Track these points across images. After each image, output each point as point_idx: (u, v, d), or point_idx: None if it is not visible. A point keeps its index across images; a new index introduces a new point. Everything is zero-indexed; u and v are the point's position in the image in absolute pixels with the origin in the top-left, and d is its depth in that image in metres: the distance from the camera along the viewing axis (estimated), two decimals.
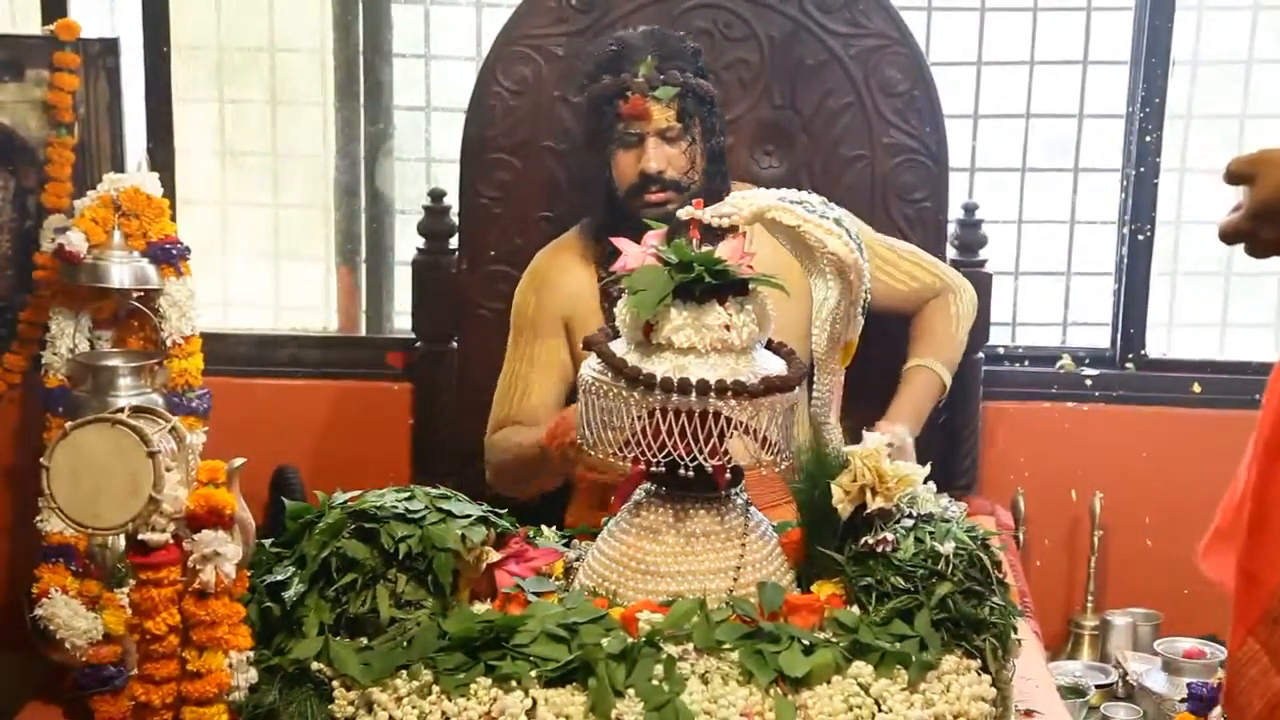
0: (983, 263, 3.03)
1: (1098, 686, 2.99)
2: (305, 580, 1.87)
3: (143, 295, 2.76)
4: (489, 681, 1.71)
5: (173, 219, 2.82)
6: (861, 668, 1.77)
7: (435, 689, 1.72)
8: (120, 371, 2.67)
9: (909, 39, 2.91)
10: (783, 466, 1.90)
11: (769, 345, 1.96)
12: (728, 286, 1.86)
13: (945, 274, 2.80)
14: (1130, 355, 3.32)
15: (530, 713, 1.69)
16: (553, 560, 2.02)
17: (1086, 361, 3.34)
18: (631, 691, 1.69)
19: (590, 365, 1.91)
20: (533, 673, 1.71)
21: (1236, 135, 3.35)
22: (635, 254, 1.91)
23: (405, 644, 1.77)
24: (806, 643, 1.78)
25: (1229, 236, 1.48)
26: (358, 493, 1.99)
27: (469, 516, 1.96)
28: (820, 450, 1.97)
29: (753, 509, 1.97)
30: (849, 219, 1.94)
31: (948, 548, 1.85)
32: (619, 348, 1.90)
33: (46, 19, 3.16)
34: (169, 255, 2.75)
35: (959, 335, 2.78)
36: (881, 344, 2.68)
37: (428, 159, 3.41)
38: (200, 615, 1.64)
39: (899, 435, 2.52)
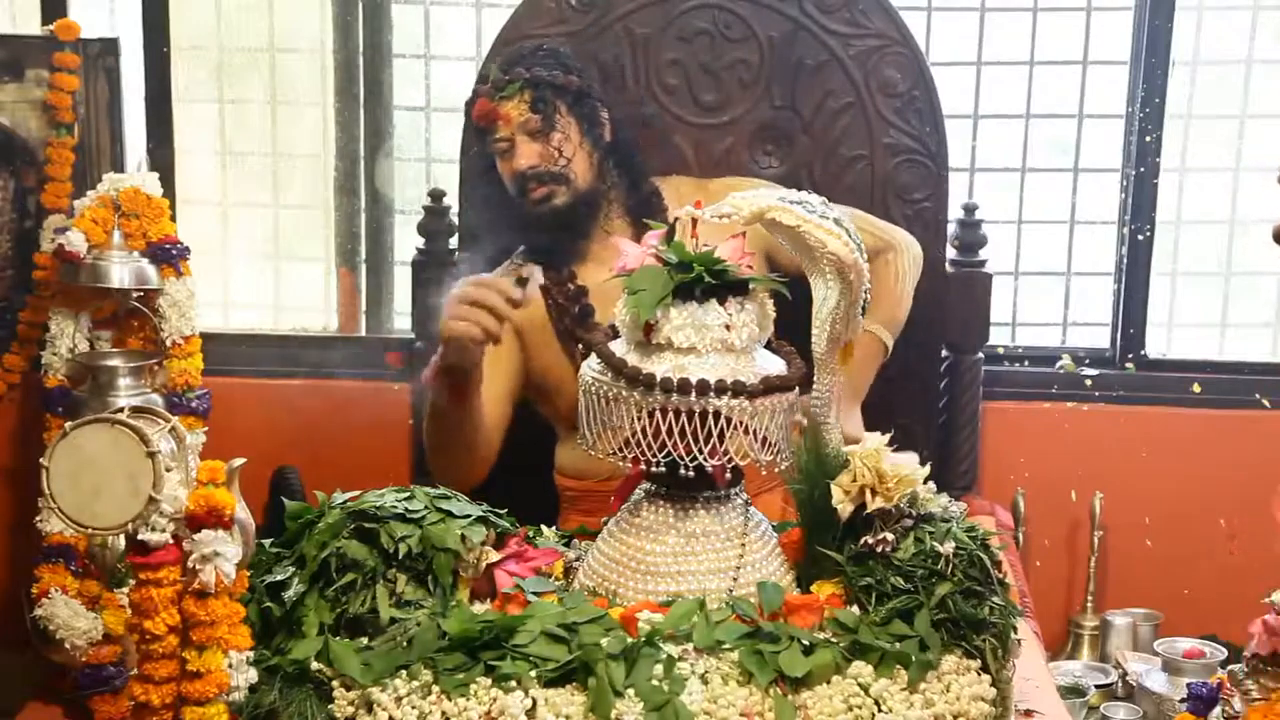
0: (983, 263, 3.03)
1: (1098, 686, 2.99)
2: (305, 580, 1.87)
3: (143, 295, 2.76)
4: (489, 681, 1.71)
5: (173, 219, 2.82)
6: (861, 668, 1.77)
7: (435, 689, 1.72)
8: (120, 371, 2.67)
9: (909, 39, 2.91)
10: (783, 466, 1.90)
11: (769, 345, 1.96)
12: (728, 286, 1.86)
13: (886, 232, 2.73)
14: (1130, 355, 3.32)
15: (530, 713, 1.69)
16: (553, 560, 2.02)
17: (1086, 361, 3.33)
18: (631, 691, 1.69)
19: (590, 365, 1.91)
20: (532, 673, 1.71)
21: (1236, 135, 3.35)
22: (635, 254, 1.91)
23: (405, 644, 1.77)
24: (806, 643, 1.78)
25: None
26: (358, 493, 2.00)
27: (469, 516, 1.96)
28: (820, 450, 1.97)
29: (752, 509, 1.97)
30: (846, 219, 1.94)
31: (948, 548, 1.85)
32: (619, 348, 1.90)
33: (46, 19, 3.16)
34: (169, 255, 2.75)
35: (902, 292, 2.70)
36: None
37: (428, 159, 3.41)
38: (200, 615, 1.64)
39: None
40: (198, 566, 1.64)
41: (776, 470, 1.90)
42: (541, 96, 2.56)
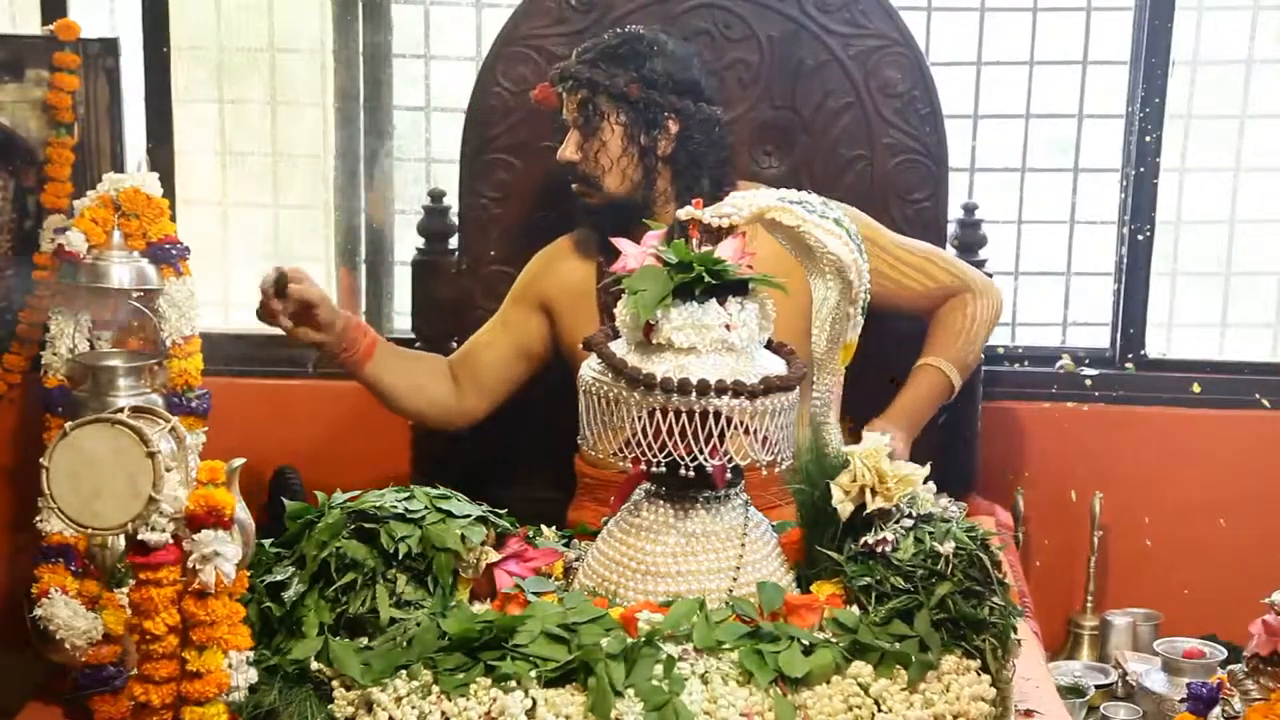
0: (983, 263, 3.02)
1: (1098, 686, 2.99)
2: (305, 580, 1.87)
3: (143, 295, 2.76)
4: (489, 681, 1.71)
5: (173, 219, 2.81)
6: (861, 668, 1.77)
7: (435, 689, 1.72)
8: (120, 371, 2.66)
9: (909, 39, 2.90)
10: (783, 466, 1.90)
11: (769, 345, 1.96)
12: (728, 286, 1.87)
13: (966, 275, 2.74)
14: (1130, 355, 3.32)
15: (530, 713, 1.69)
16: (553, 560, 2.02)
17: (1086, 361, 3.33)
18: (631, 691, 1.69)
19: (590, 365, 1.91)
20: (532, 673, 1.71)
21: (1236, 135, 3.35)
22: (635, 254, 1.91)
23: (405, 644, 1.78)
24: (806, 643, 1.78)
25: None
26: (358, 493, 2.00)
27: (469, 516, 1.96)
28: (820, 450, 1.97)
29: (752, 509, 1.97)
30: (854, 214, 1.94)
31: (948, 548, 1.85)
32: (619, 348, 1.90)
33: (46, 19, 3.16)
34: (169, 255, 2.74)
35: (974, 335, 2.70)
36: (882, 344, 2.69)
37: (428, 159, 3.41)
38: (200, 615, 1.64)
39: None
40: (198, 566, 1.64)
41: (776, 471, 1.90)
42: (591, 101, 2.59)
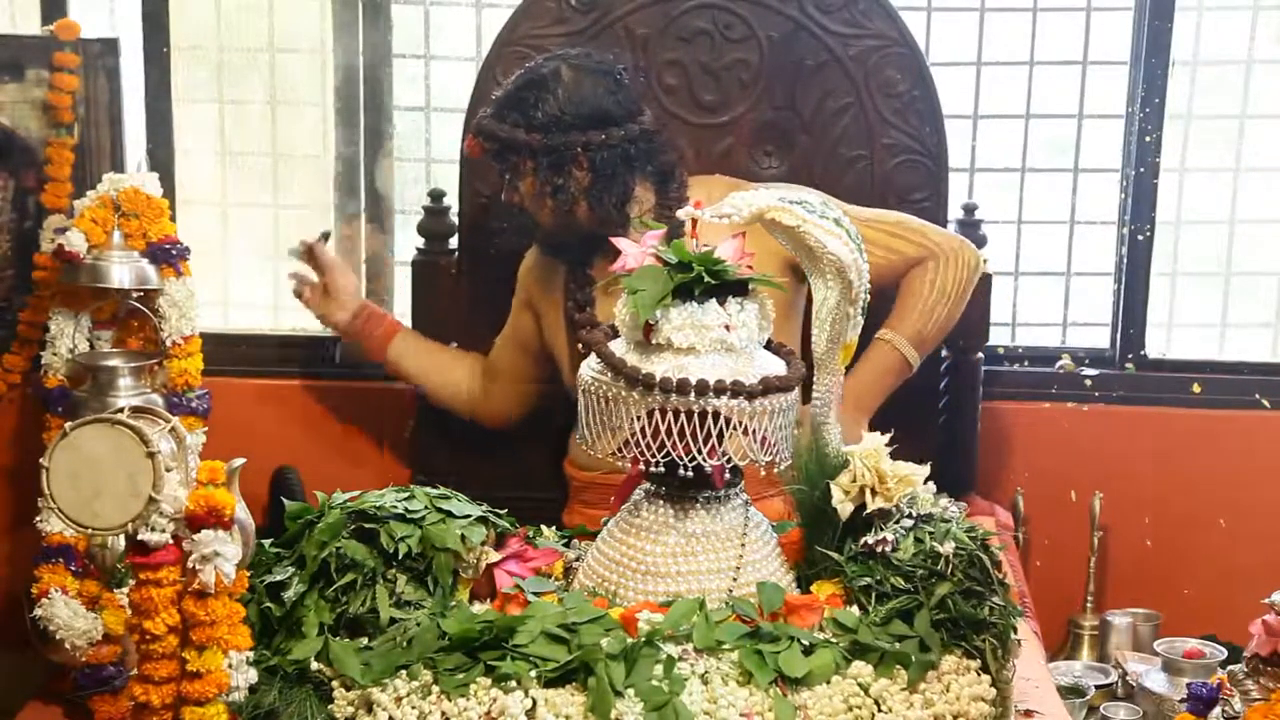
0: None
1: (1098, 686, 2.99)
2: (305, 580, 1.87)
3: (143, 295, 2.76)
4: (489, 681, 1.71)
5: (172, 219, 2.81)
6: (861, 668, 1.77)
7: (435, 689, 1.72)
8: (120, 371, 2.66)
9: (909, 39, 2.91)
10: (781, 467, 1.90)
11: (769, 345, 1.96)
12: (728, 286, 1.87)
13: (932, 240, 2.69)
14: (1130, 355, 3.32)
15: (530, 713, 1.69)
16: (553, 560, 2.02)
17: (1086, 361, 3.33)
18: (631, 691, 1.69)
19: (590, 365, 1.91)
20: (532, 673, 1.71)
21: (1236, 135, 3.34)
22: (635, 254, 1.91)
23: (405, 644, 1.78)
24: (806, 643, 1.78)
25: None
26: (358, 493, 2.00)
27: (469, 516, 1.96)
28: (820, 450, 1.97)
29: (752, 509, 1.97)
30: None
31: (948, 548, 1.85)
32: (619, 348, 1.90)
33: (46, 19, 3.15)
34: (169, 255, 2.74)
35: (933, 304, 2.64)
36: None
37: (428, 159, 3.41)
38: (200, 615, 1.64)
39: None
40: (198, 566, 1.64)
41: (775, 471, 1.90)
42: (496, 152, 2.61)
